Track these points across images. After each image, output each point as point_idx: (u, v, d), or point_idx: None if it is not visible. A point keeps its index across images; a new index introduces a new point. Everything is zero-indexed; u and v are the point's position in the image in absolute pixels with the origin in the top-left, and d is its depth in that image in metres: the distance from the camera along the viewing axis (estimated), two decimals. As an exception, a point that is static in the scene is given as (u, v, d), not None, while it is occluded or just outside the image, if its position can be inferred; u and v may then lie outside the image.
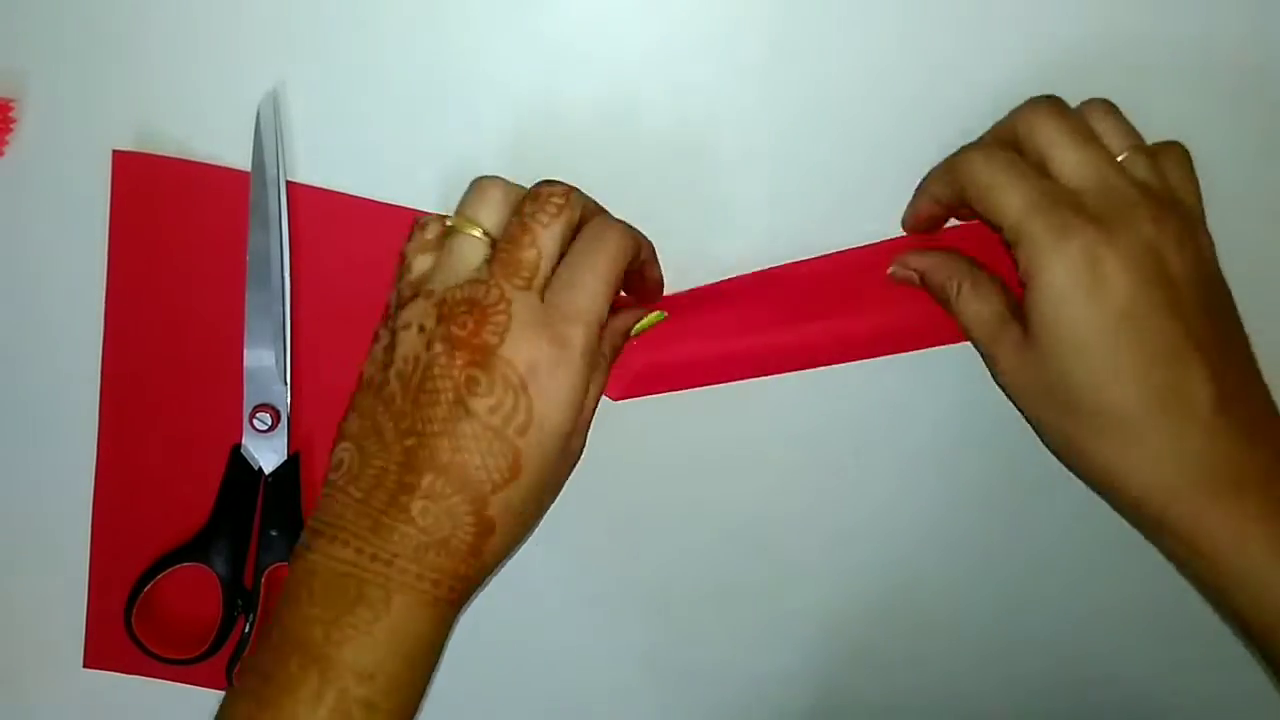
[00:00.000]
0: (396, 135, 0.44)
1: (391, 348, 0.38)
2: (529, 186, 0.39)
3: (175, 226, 0.45)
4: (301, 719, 0.34)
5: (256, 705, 0.35)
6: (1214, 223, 0.40)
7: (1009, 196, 0.37)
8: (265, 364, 0.45)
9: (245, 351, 0.45)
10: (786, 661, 0.49)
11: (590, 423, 0.40)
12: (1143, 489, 0.37)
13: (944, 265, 0.42)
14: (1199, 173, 0.40)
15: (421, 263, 0.39)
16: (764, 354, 0.44)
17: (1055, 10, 0.43)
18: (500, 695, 0.49)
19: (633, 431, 0.46)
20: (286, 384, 0.45)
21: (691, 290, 0.44)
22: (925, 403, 0.46)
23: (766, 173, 0.45)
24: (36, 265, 0.45)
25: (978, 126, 0.44)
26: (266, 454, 0.45)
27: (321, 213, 0.44)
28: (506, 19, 0.44)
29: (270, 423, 0.45)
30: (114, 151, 0.44)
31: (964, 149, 0.40)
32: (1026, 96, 0.44)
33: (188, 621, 0.47)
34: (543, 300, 0.37)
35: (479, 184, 0.39)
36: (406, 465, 0.36)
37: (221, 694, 0.44)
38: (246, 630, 0.46)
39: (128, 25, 0.43)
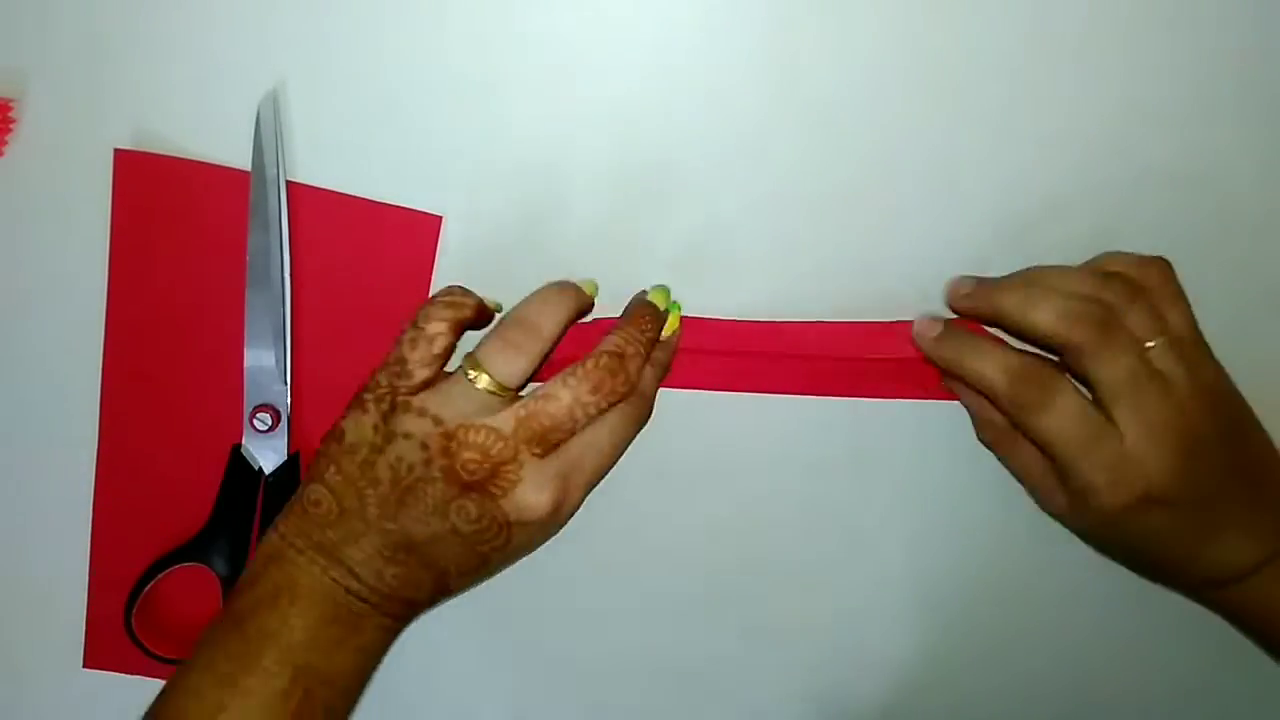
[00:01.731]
0: (396, 135, 0.44)
1: (387, 440, 0.39)
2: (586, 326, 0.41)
3: (175, 226, 0.45)
4: (271, 710, 0.38)
5: (228, 690, 0.38)
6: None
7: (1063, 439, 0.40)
8: (265, 364, 0.45)
9: (245, 351, 0.45)
10: (787, 665, 0.49)
11: None
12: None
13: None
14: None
15: (421, 372, 0.40)
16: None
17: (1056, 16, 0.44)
18: (502, 698, 0.49)
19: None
20: (286, 384, 0.45)
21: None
22: (928, 410, 0.46)
23: (767, 174, 0.45)
24: (36, 265, 0.45)
25: (977, 127, 0.44)
26: (266, 454, 0.45)
27: (321, 213, 0.44)
28: (507, 19, 0.43)
29: (270, 423, 0.45)
30: (115, 150, 0.44)
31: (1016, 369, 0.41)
32: (1025, 100, 0.44)
33: (188, 622, 0.47)
34: (560, 454, 0.39)
35: (518, 323, 0.40)
36: (385, 542, 0.39)
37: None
38: (246, 630, 0.46)
39: (127, 25, 0.43)
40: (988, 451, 0.46)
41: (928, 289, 0.45)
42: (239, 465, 0.45)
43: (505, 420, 0.38)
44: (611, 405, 0.39)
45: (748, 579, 0.48)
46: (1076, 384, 0.41)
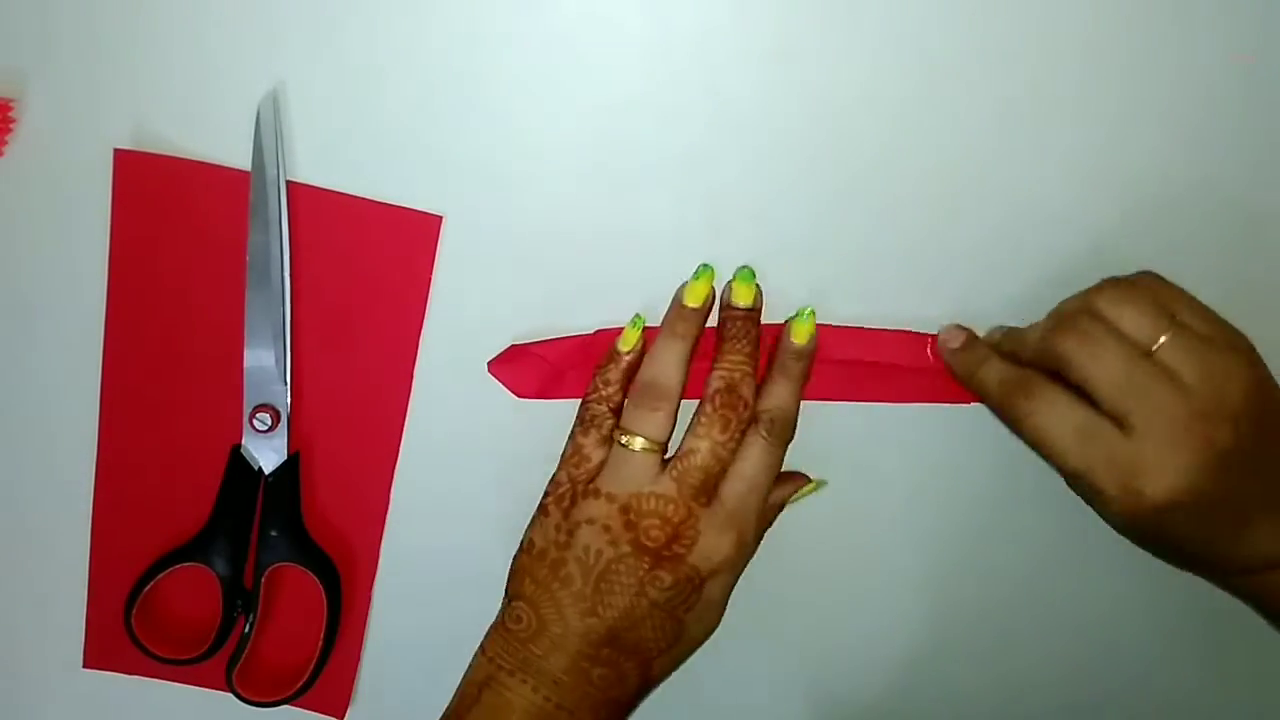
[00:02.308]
0: (396, 135, 0.44)
1: (570, 533, 0.42)
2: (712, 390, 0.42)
3: (175, 226, 0.45)
4: None
5: None
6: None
7: (1072, 461, 0.39)
8: (265, 364, 0.45)
9: (245, 351, 0.45)
10: (786, 664, 0.49)
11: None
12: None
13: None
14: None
15: (597, 455, 0.43)
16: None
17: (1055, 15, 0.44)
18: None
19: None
20: (286, 384, 0.45)
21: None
22: (931, 411, 0.46)
23: (769, 174, 0.45)
24: (36, 265, 0.45)
25: (976, 126, 0.44)
26: (266, 454, 0.45)
27: (321, 213, 0.44)
28: (506, 19, 0.43)
29: (270, 423, 0.45)
30: (115, 150, 0.44)
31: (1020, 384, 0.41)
32: (1025, 98, 0.44)
33: (188, 621, 0.47)
34: (720, 497, 0.42)
35: (648, 387, 0.43)
36: (585, 638, 0.41)
37: (219, 693, 0.45)
38: (246, 630, 0.46)
39: (128, 25, 0.43)
40: (987, 453, 0.46)
41: (929, 288, 0.45)
42: (239, 465, 0.45)
43: (667, 484, 0.42)
44: (744, 431, 0.42)
45: (747, 579, 0.48)
46: (1074, 393, 0.40)
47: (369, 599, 0.48)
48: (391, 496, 0.47)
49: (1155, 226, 0.45)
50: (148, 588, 0.46)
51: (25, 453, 0.47)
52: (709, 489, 0.42)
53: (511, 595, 0.43)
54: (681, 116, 0.44)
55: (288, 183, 0.44)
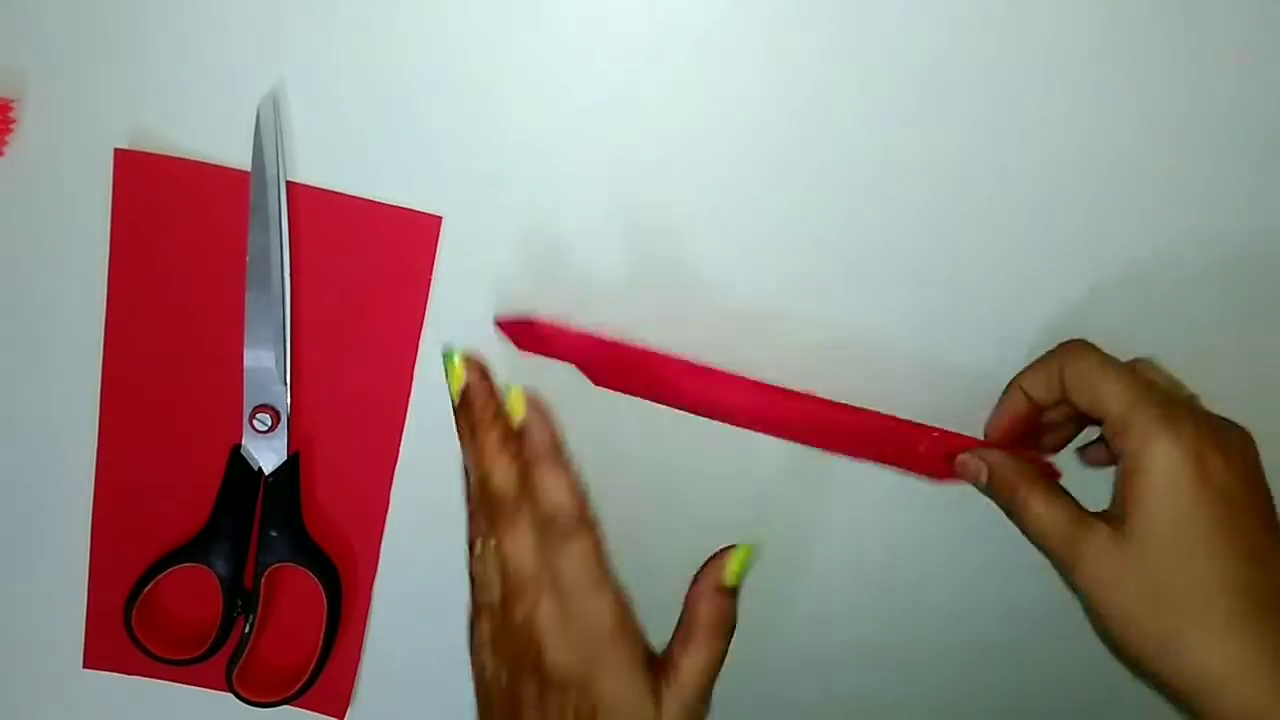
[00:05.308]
0: (396, 135, 0.44)
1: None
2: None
3: (175, 226, 0.45)
4: None
5: None
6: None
7: (1113, 387, 0.38)
8: (265, 364, 0.45)
9: (245, 351, 0.45)
10: (787, 664, 0.49)
11: None
12: (1236, 687, 0.36)
13: (1012, 467, 0.41)
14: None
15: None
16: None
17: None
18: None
19: (636, 439, 0.46)
20: (286, 384, 0.45)
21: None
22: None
23: (767, 174, 0.45)
24: (36, 265, 0.45)
25: (975, 126, 0.44)
26: (266, 454, 0.45)
27: (321, 213, 0.44)
28: (506, 20, 0.43)
29: (270, 423, 0.45)
30: (115, 150, 0.44)
31: (1061, 351, 0.40)
32: (1024, 98, 0.44)
33: (188, 621, 0.47)
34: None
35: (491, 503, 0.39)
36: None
37: (219, 693, 0.44)
38: (246, 630, 0.46)
39: (127, 25, 0.43)
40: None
41: (928, 288, 0.45)
42: (239, 465, 0.45)
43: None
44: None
45: (748, 581, 0.48)
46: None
47: (369, 599, 0.48)
48: (391, 496, 0.47)
49: (1154, 226, 0.45)
50: (148, 588, 0.46)
51: (25, 453, 0.47)
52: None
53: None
54: (681, 116, 0.44)
55: (288, 183, 0.44)
